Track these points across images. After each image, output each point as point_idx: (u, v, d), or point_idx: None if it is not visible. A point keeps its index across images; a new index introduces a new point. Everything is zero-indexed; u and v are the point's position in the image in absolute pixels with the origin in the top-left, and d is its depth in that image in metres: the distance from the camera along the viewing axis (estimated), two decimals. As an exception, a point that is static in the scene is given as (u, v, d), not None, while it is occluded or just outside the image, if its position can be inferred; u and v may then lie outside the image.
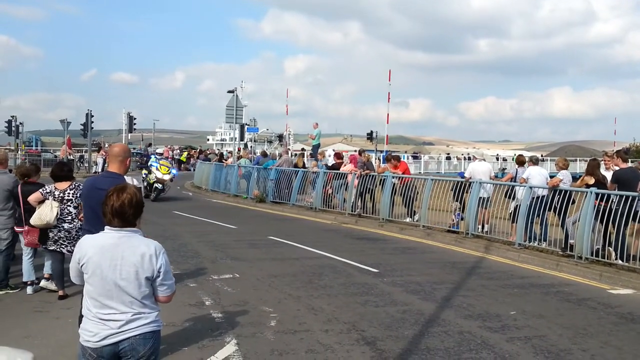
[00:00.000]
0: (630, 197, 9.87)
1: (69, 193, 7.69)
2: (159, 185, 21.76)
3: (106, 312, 3.36)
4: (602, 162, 12.86)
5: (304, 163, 23.23)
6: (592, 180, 10.95)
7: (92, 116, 36.27)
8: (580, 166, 46.04)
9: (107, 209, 3.42)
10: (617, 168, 11.07)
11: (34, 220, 7.56)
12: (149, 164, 23.28)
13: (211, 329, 6.68)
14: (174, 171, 23.39)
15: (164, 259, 3.46)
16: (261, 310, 7.42)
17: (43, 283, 8.17)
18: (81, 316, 3.53)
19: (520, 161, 14.46)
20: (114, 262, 3.36)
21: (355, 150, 28.17)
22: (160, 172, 21.76)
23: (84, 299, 3.47)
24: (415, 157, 55.23)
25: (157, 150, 26.54)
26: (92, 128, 37.05)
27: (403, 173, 16.41)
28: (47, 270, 8.16)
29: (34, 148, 58.46)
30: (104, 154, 35.73)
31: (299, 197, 19.75)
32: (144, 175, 22.61)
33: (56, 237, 7.65)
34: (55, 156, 40.79)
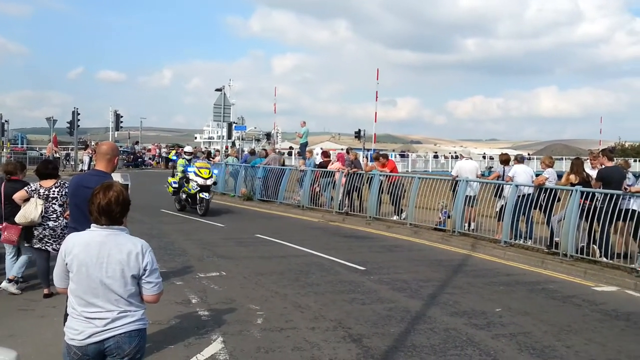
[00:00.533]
0: (615, 196, 9.97)
1: (54, 191, 7.66)
2: (205, 195, 17.06)
3: (91, 311, 3.35)
4: (588, 160, 12.96)
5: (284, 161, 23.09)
6: (576, 179, 11.03)
7: (79, 114, 36.10)
8: (565, 165, 46.36)
9: (94, 207, 3.41)
10: (602, 167, 11.17)
11: (19, 218, 7.52)
12: (180, 170, 18.21)
13: (197, 326, 6.67)
14: (215, 171, 18.82)
15: (151, 257, 3.45)
16: (248, 308, 7.42)
17: (4, 285, 7.97)
18: (66, 314, 3.52)
19: (504, 160, 14.51)
20: (100, 260, 3.35)
21: (343, 149, 28.17)
22: (201, 177, 17.03)
23: (69, 298, 3.46)
24: (402, 156, 55.42)
25: (186, 149, 21.47)
26: (79, 126, 36.87)
27: (390, 171, 16.45)
28: (13, 272, 7.97)
29: (19, 146, 57.99)
30: (90, 152, 35.53)
31: (287, 195, 19.75)
32: (173, 185, 18.04)
33: (41, 235, 7.61)
34: (41, 154, 40.55)
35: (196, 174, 17.07)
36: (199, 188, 17.02)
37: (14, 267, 8.00)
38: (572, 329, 6.90)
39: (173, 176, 18.79)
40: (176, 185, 18.01)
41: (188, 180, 17.34)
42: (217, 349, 5.92)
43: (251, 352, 5.87)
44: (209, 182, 17.14)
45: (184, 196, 17.74)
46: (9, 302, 7.63)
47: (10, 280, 7.97)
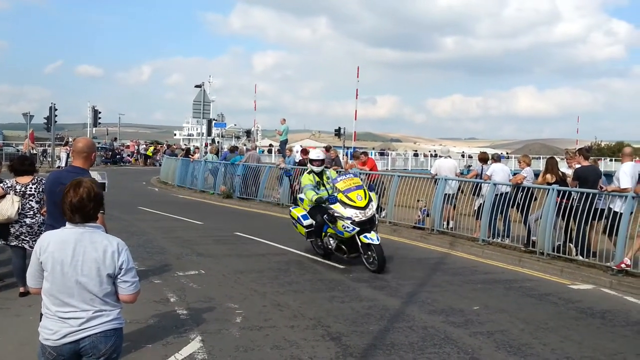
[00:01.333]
0: (591, 194, 10.09)
1: (31, 188, 7.56)
2: (372, 238, 9.46)
3: (66, 310, 3.31)
4: (564, 159, 13.11)
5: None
6: (553, 179, 11.16)
7: (56, 110, 35.66)
8: (543, 164, 46.79)
9: (66, 206, 3.36)
10: (579, 166, 11.30)
11: (-5, 215, 7.42)
12: (308, 196, 10.45)
13: (176, 325, 6.63)
14: (372, 193, 10.14)
15: (127, 256, 3.43)
16: (226, 307, 7.40)
17: None
18: (42, 314, 3.48)
19: (482, 158, 14.65)
20: (75, 259, 3.31)
21: (323, 147, 28.18)
22: (354, 204, 9.63)
23: (42, 298, 3.42)
24: (382, 154, 55.60)
25: (312, 155, 11.19)
26: (56, 122, 36.44)
27: (370, 169, 16.48)
28: None
29: (-5, 142, 57.17)
30: (67, 148, 35.12)
31: (266, 192, 19.72)
32: (304, 222, 10.65)
33: (18, 233, 7.51)
34: (18, 150, 40.00)
35: (344, 204, 9.70)
36: (356, 226, 9.56)
37: None
38: (548, 327, 6.97)
39: (295, 202, 11.57)
40: (309, 223, 10.62)
41: (333, 219, 9.79)
42: (195, 348, 5.89)
43: (230, 351, 5.85)
44: (369, 211, 9.72)
45: (332, 243, 10.22)
46: (-16, 300, 7.53)
47: None
